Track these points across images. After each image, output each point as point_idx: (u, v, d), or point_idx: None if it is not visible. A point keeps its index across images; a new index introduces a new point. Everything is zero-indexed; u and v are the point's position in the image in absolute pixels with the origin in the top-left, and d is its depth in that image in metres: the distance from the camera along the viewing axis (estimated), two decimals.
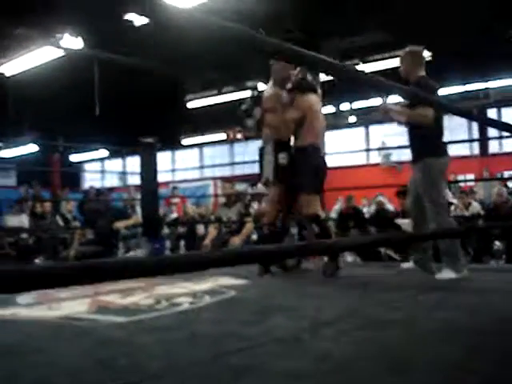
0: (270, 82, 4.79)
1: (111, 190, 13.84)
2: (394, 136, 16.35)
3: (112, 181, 20.39)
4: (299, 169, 4.43)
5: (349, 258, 7.15)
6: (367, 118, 15.58)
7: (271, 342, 2.22)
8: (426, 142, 4.13)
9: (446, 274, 3.95)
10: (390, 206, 8.70)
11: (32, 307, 3.23)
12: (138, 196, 10.37)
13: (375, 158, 16.40)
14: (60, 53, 9.30)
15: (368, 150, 17.21)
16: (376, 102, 14.54)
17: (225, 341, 2.26)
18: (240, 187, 14.47)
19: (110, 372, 1.89)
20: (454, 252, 3.98)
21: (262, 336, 2.32)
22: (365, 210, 9.67)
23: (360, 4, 9.02)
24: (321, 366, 1.87)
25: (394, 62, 11.62)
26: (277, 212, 4.68)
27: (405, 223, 6.67)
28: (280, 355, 2.04)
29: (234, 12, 7.64)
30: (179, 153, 21.54)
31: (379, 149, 16.25)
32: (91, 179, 22.74)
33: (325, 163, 4.64)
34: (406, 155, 15.87)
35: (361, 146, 16.51)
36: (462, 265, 4.00)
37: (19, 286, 0.89)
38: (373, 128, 16.98)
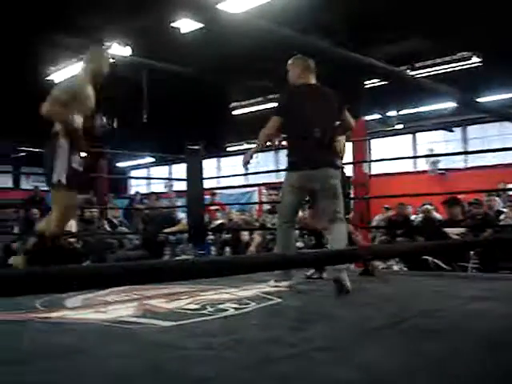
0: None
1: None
2: (441, 143, 16.12)
3: (157, 187, 20.64)
4: None
5: (395, 266, 7.05)
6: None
7: (316, 350, 2.20)
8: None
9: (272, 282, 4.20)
10: (438, 215, 8.56)
11: (79, 310, 3.28)
12: (179, 202, 10.47)
13: (422, 165, 16.15)
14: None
15: (415, 157, 16.94)
16: (424, 108, 14.36)
17: (270, 347, 2.25)
18: None
19: (159, 376, 1.90)
20: None
21: (307, 343, 2.31)
22: (412, 217, 9.54)
23: (404, 11, 8.93)
24: (365, 376, 1.84)
25: (441, 69, 11.50)
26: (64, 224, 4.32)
27: (453, 232, 6.54)
28: (325, 363, 2.02)
29: (282, 19, 7.64)
30: (224, 160, 21.65)
31: (426, 156, 16.01)
32: (137, 185, 23.05)
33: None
34: (454, 163, 15.61)
35: (408, 153, 16.26)
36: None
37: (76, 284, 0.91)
38: (420, 135, 16.75)
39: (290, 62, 4.28)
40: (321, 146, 3.97)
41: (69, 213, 4.18)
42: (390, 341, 2.38)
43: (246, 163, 4.34)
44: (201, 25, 8.14)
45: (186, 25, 8.18)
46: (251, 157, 4.28)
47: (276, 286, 4.07)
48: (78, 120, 4.12)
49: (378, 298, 3.70)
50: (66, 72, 9.95)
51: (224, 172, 21.13)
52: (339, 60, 1.71)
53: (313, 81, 4.22)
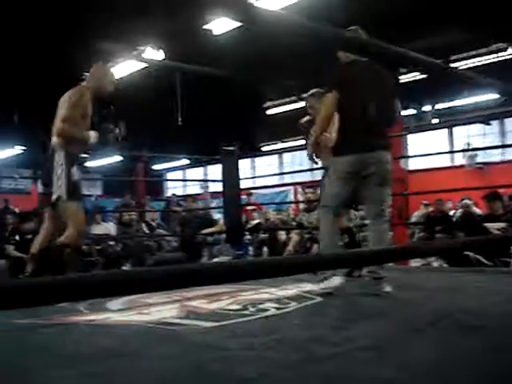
0: None
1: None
2: (479, 136, 15.88)
3: (193, 189, 20.77)
4: None
5: (434, 263, 6.97)
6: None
7: (359, 349, 2.20)
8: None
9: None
10: (477, 210, 8.44)
11: (123, 312, 3.32)
12: (213, 203, 10.50)
13: (459, 159, 15.94)
14: (142, 65, 9.56)
15: (452, 151, 16.73)
16: (459, 102, 14.18)
17: (312, 347, 2.26)
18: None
19: (202, 376, 1.92)
20: None
21: (350, 342, 2.31)
22: (451, 213, 9.43)
23: (438, 5, 8.83)
24: (406, 376, 1.84)
25: (477, 61, 11.35)
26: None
27: (494, 227, 6.43)
28: (367, 362, 2.02)
29: (315, 13, 7.61)
30: (259, 159, 21.69)
31: (463, 150, 15.79)
32: (173, 187, 23.26)
33: None
34: (492, 156, 15.37)
35: (444, 148, 16.03)
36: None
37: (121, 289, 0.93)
38: (457, 129, 16.52)
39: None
40: (375, 127, 3.63)
41: (81, 221, 4.05)
42: (431, 338, 2.36)
43: (312, 155, 3.99)
44: (233, 26, 8.20)
45: (218, 26, 8.22)
46: (314, 146, 3.91)
47: (324, 289, 3.70)
48: (94, 134, 4.11)
49: (419, 295, 3.67)
50: None
51: (259, 171, 21.16)
52: (376, 53, 1.71)
53: (365, 57, 3.65)
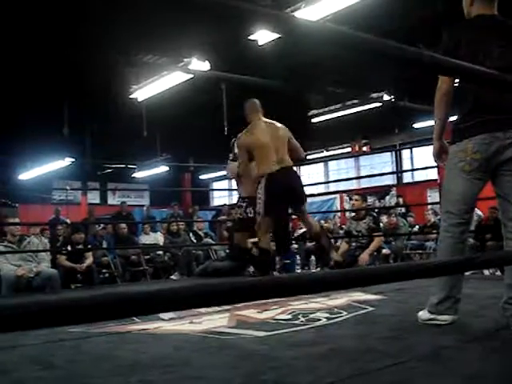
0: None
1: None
2: None
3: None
4: None
5: (485, 271, 6.80)
6: None
7: (415, 360, 2.15)
8: None
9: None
10: None
11: (174, 322, 3.34)
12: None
13: None
14: (188, 76, 9.64)
15: None
16: None
17: (367, 357, 2.23)
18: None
19: None
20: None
21: (405, 353, 2.26)
22: None
23: None
24: None
25: None
26: None
27: None
28: (426, 373, 1.97)
29: (363, 23, 7.57)
30: (304, 168, 21.63)
31: None
32: (219, 196, 23.40)
33: None
34: None
35: None
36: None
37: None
38: None
39: None
40: (507, 98, 2.60)
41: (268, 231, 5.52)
42: (493, 349, 2.29)
43: (438, 154, 2.98)
44: (277, 36, 8.20)
45: (263, 37, 8.25)
46: (440, 139, 2.96)
47: (431, 320, 2.85)
48: None
49: (475, 303, 3.57)
50: (146, 90, 10.21)
51: (303, 179, 21.05)
52: (427, 63, 1.68)
53: (492, 11, 2.84)
